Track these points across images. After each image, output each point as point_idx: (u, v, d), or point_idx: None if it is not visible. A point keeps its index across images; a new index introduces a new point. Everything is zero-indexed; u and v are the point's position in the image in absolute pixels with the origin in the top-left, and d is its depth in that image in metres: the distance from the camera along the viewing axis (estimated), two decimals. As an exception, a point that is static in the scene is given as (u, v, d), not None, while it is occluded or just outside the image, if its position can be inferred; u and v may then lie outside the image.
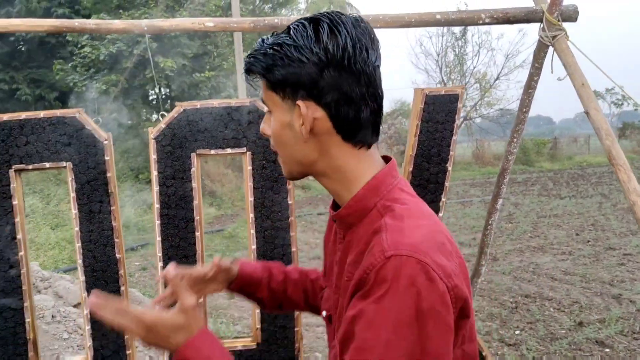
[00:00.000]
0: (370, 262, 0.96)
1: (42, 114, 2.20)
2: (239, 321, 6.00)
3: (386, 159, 1.16)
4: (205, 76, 15.55)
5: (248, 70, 1.10)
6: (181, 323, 1.07)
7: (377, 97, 1.08)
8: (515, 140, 2.49)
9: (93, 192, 2.22)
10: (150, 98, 17.19)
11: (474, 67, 27.72)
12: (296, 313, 2.33)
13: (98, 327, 2.26)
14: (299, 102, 1.06)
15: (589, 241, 9.42)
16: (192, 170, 2.26)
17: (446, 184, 2.39)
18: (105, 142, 2.22)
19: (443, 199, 2.41)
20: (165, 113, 2.28)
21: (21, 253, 2.19)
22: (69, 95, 16.64)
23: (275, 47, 1.04)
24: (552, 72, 2.37)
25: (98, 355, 2.27)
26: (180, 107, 2.27)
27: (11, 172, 2.18)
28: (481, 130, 28.76)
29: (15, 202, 2.19)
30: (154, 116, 17.30)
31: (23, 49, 18.51)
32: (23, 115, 2.19)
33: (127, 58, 14.79)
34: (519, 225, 10.99)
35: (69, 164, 2.21)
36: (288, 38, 1.04)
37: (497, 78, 27.34)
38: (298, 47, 1.03)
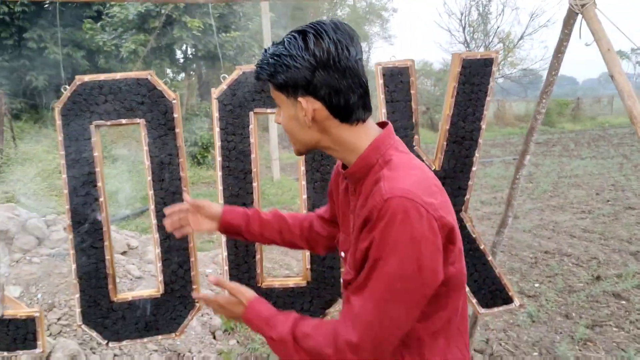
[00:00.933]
0: (373, 204, 1.27)
1: (118, 75, 2.46)
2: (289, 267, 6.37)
3: (383, 124, 1.48)
4: (231, 36, 15.66)
5: (257, 78, 1.42)
6: (235, 300, 1.55)
7: (361, 84, 1.37)
8: (544, 101, 2.70)
9: (163, 146, 2.49)
10: (177, 57, 17.37)
11: (498, 27, 27.47)
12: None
13: (168, 264, 2.56)
14: (300, 99, 1.36)
15: (608, 201, 9.58)
16: (250, 127, 2.52)
17: (480, 140, 2.64)
18: (174, 101, 2.49)
19: (476, 155, 2.65)
20: (226, 75, 2.53)
21: (101, 199, 2.49)
22: (96, 55, 16.87)
23: (275, 58, 1.35)
24: (580, 38, 2.58)
25: (168, 288, 2.58)
26: (239, 69, 2.52)
27: (92, 127, 2.46)
28: (503, 90, 28.56)
29: (95, 153, 2.47)
30: (181, 75, 17.53)
31: (50, 8, 18.68)
32: (102, 77, 2.45)
33: (155, 18, 14.92)
34: (540, 185, 11.16)
35: (142, 121, 2.48)
36: (284, 49, 1.33)
37: (521, 38, 27.08)
38: (292, 56, 1.32)
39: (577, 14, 2.43)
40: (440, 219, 1.27)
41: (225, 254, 2.55)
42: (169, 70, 17.80)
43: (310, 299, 2.62)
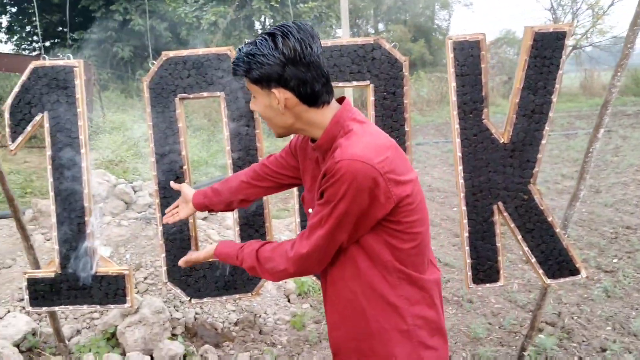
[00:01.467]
0: (327, 167, 1.54)
1: (200, 51, 2.62)
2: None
3: (341, 100, 1.71)
4: (309, 7, 15.75)
5: (234, 73, 1.63)
6: (206, 252, 2.04)
7: (323, 74, 1.60)
8: (619, 74, 2.66)
9: (241, 118, 2.65)
10: (256, 28, 17.64)
11: (587, -9, 26.16)
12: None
13: (245, 229, 2.74)
14: (273, 90, 1.59)
15: None
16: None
17: (550, 114, 2.64)
18: (251, 75, 2.63)
19: (547, 128, 2.66)
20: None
21: (185, 167, 2.68)
22: (178, 26, 17.37)
23: (249, 57, 1.56)
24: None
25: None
26: (314, 44, 2.62)
27: (176, 100, 2.65)
28: (591, 59, 27.24)
29: (179, 124, 2.66)
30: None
31: (136, -20, 19.31)
32: (185, 52, 2.62)
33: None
34: (625, 158, 10.72)
35: (222, 94, 2.64)
36: (256, 49, 1.55)
37: (612, 4, 25.70)
38: (264, 55, 1.53)
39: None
40: (387, 174, 1.52)
41: (298, 220, 2.70)
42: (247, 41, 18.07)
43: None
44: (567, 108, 21.01)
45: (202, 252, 2.05)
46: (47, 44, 21.14)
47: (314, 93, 1.61)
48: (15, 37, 22.08)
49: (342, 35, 13.42)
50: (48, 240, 5.30)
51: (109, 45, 18.27)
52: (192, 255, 2.12)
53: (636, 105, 21.20)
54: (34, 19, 20.22)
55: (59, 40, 21.00)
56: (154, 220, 5.40)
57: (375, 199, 1.52)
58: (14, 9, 21.79)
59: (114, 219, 5.57)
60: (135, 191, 6.13)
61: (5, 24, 22.03)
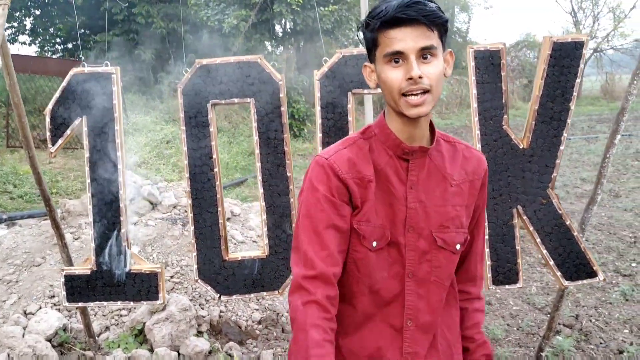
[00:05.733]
0: (480, 161, 1.61)
1: (232, 59, 2.75)
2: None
3: None
4: (329, 10, 15.89)
5: (432, 21, 1.37)
6: None
7: None
8: (635, 82, 2.75)
9: (270, 123, 2.78)
10: (276, 31, 17.82)
11: (609, -5, 26.03)
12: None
13: (273, 229, 2.86)
14: (449, 49, 1.47)
15: None
16: (348, 106, 2.74)
17: (568, 121, 2.73)
18: (280, 82, 2.75)
19: (564, 134, 2.75)
20: (327, 59, 2.76)
21: (215, 169, 2.81)
22: (200, 29, 17.58)
23: (436, 5, 1.39)
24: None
25: (272, 250, 2.89)
26: (340, 53, 2.74)
27: (208, 106, 2.78)
28: (612, 63, 27.08)
29: (211, 129, 2.79)
30: (280, 48, 17.97)
31: (158, -17, 19.56)
32: (218, 60, 2.75)
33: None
34: (646, 163, 10.72)
35: (252, 100, 2.77)
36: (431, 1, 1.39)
37: (634, 7, 25.54)
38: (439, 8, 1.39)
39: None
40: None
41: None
42: (268, 44, 18.29)
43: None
44: (587, 112, 20.93)
45: None
46: (70, 45, 21.50)
47: None
48: (39, 39, 22.46)
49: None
50: (77, 239, 5.47)
51: (131, 48, 18.54)
52: None
53: (658, 109, 21.04)
54: (56, 21, 20.57)
55: (81, 42, 21.35)
56: (179, 221, 5.55)
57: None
58: (37, 12, 22.17)
59: (141, 219, 5.73)
60: (160, 192, 6.29)
61: (29, 26, 22.42)
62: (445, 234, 1.55)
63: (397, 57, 1.39)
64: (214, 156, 2.80)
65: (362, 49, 2.73)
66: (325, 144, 2.76)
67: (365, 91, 2.74)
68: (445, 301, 1.63)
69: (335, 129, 2.75)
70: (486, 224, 1.58)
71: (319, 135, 2.77)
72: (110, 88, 2.81)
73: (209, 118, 2.78)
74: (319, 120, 2.77)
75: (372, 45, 1.45)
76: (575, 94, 2.69)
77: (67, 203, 6.11)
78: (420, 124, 1.48)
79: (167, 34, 18.72)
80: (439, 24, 1.38)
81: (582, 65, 2.65)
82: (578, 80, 2.68)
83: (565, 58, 2.66)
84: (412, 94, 1.40)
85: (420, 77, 1.38)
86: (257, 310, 4.69)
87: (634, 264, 5.60)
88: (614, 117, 3.02)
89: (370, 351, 1.58)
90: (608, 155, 2.98)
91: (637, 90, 2.76)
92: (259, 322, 4.56)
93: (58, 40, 22.17)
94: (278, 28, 17.71)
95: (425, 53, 1.38)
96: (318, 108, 2.76)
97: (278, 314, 4.65)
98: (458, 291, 1.71)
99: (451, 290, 1.66)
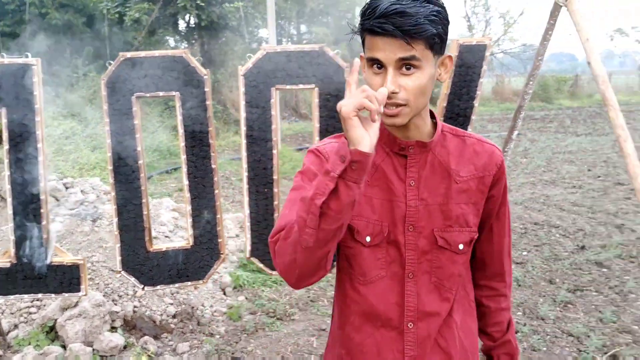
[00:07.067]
0: (493, 159, 1.52)
1: (156, 53, 2.79)
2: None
3: None
4: (234, 6, 15.85)
5: (418, 33, 1.28)
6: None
7: None
8: (531, 82, 3.04)
9: (195, 116, 2.84)
10: (180, 28, 17.54)
11: (499, 1, 27.47)
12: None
13: (197, 220, 2.93)
14: (447, 55, 1.39)
15: (599, 176, 9.89)
16: (271, 101, 2.86)
17: (472, 117, 2.99)
18: (205, 76, 2.83)
19: (469, 129, 3.00)
20: (251, 55, 2.86)
21: (140, 161, 2.84)
22: (97, 21, 17.02)
23: (437, 12, 1.30)
24: (566, 29, 2.92)
25: (197, 241, 2.95)
26: (263, 49, 2.85)
27: (133, 99, 2.81)
28: (502, 65, 28.70)
29: (135, 122, 2.82)
30: (184, 44, 17.69)
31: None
32: (142, 54, 2.79)
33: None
34: (534, 160, 11.49)
35: (177, 94, 2.83)
36: (436, 5, 1.31)
37: (522, 13, 27.18)
38: (444, 11, 1.33)
39: (562, 6, 2.76)
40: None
41: (247, 211, 2.92)
42: (171, 39, 17.98)
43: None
44: (480, 112, 22.03)
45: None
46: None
47: None
48: None
49: (268, 36, 13.62)
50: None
51: (24, 39, 17.64)
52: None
53: (543, 110, 22.56)
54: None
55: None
56: (89, 217, 5.44)
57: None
58: None
59: (46, 215, 5.56)
60: (66, 188, 6.12)
61: None
62: (448, 233, 1.50)
63: (377, 64, 1.35)
64: (139, 148, 2.84)
65: (285, 46, 2.86)
66: (249, 137, 2.87)
67: (289, 86, 2.87)
68: (457, 309, 1.58)
69: (259, 122, 2.86)
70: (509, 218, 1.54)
71: (244, 129, 2.86)
72: (31, 79, 2.78)
73: (134, 111, 2.81)
74: (243, 114, 2.86)
75: (362, 40, 1.39)
76: (479, 92, 2.95)
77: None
78: (410, 122, 1.42)
79: (63, 26, 17.97)
80: (431, 35, 1.29)
81: (485, 66, 2.91)
82: (481, 80, 2.94)
83: (470, 59, 2.91)
84: (386, 105, 1.34)
85: (394, 92, 1.32)
86: (171, 304, 4.70)
87: (524, 253, 6.05)
88: (504, 117, 3.31)
89: (371, 355, 1.54)
90: (506, 150, 3.27)
91: (532, 90, 3.05)
92: (174, 316, 4.58)
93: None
94: (182, 23, 17.45)
95: (406, 64, 1.32)
96: (243, 103, 2.85)
97: (193, 307, 4.68)
98: (483, 286, 1.68)
99: (464, 297, 1.62)
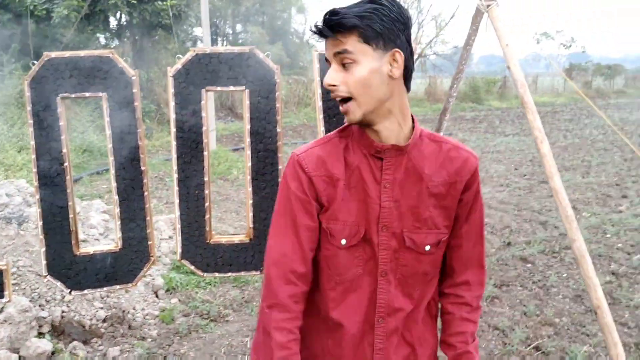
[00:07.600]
0: (467, 164, 1.56)
1: (82, 53, 2.74)
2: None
3: None
4: (167, 5, 15.59)
5: (343, 25, 1.36)
6: None
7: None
8: (455, 86, 3.15)
9: (123, 118, 2.80)
10: (111, 26, 17.12)
11: (431, 5, 28.11)
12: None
13: (126, 223, 2.89)
14: (395, 50, 1.39)
15: (525, 175, 10.28)
16: (202, 103, 2.85)
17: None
18: (133, 77, 2.79)
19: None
20: (181, 56, 2.85)
21: (65, 164, 2.78)
22: (24, 18, 16.38)
23: (373, 10, 1.36)
24: (486, 31, 3.03)
25: (126, 244, 2.91)
26: (193, 51, 2.84)
27: (58, 100, 2.74)
28: (435, 67, 29.36)
29: (61, 123, 2.75)
30: (115, 42, 17.27)
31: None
32: (67, 54, 2.73)
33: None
34: (464, 159, 11.79)
35: (104, 95, 2.78)
36: (379, 4, 1.37)
37: (453, 16, 27.87)
38: (390, 9, 1.38)
39: (484, 12, 2.87)
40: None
41: (178, 213, 2.90)
42: (102, 37, 17.51)
43: (253, 253, 3.01)
44: (413, 112, 22.44)
45: None
46: None
47: (410, 72, 1.46)
48: None
49: (202, 35, 13.47)
50: None
51: None
52: None
53: (474, 110, 23.20)
54: None
55: None
56: (14, 220, 5.26)
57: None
58: None
59: (-34, 219, 5.34)
60: (-10, 191, 5.89)
61: None
62: (415, 234, 1.55)
63: (329, 62, 1.44)
64: (64, 150, 2.77)
65: (215, 48, 2.86)
66: (180, 139, 2.85)
67: (219, 88, 2.87)
68: (421, 307, 1.65)
69: (189, 124, 2.85)
70: (484, 229, 1.60)
71: (174, 130, 2.85)
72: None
73: (59, 112, 2.74)
74: (173, 116, 2.84)
75: None
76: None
77: None
78: (379, 125, 1.48)
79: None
80: (357, 27, 1.36)
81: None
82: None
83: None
84: (336, 102, 1.47)
85: (332, 85, 1.42)
86: (101, 308, 4.60)
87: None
88: (436, 117, 3.40)
89: (345, 345, 1.61)
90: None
91: (457, 92, 3.16)
92: (104, 320, 4.48)
93: None
94: (113, 21, 17.03)
95: (342, 59, 1.39)
96: (172, 104, 2.83)
97: (124, 311, 4.60)
98: (450, 294, 1.70)
99: (427, 309, 1.69)
